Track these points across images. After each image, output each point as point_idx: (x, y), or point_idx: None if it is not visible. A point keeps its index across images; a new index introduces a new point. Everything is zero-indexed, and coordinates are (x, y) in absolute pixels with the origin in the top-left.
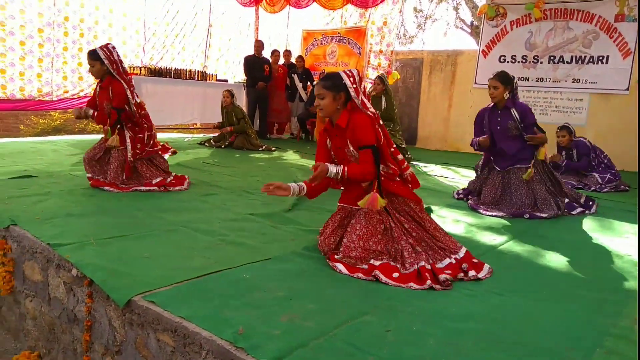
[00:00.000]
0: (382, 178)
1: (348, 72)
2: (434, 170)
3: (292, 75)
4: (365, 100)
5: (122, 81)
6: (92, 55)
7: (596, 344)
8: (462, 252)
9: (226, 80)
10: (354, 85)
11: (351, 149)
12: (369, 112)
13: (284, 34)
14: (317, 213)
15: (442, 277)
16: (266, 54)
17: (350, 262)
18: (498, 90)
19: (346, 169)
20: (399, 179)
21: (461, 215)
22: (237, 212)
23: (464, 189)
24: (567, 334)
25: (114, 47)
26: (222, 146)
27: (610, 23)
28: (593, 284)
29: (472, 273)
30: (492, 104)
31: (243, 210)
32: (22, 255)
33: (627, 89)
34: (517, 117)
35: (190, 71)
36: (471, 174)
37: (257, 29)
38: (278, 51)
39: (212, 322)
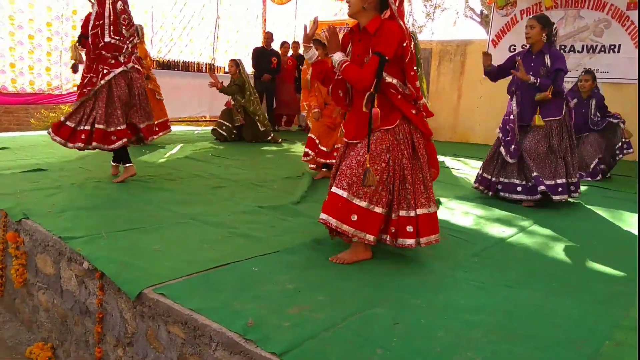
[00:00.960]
0: (399, 97)
1: None
2: (443, 161)
3: (301, 67)
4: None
5: (94, 10)
6: None
7: (606, 336)
8: (425, 210)
9: None
10: (394, 4)
11: None
12: (401, 23)
13: (292, 25)
14: None
15: (401, 241)
16: (276, 45)
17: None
18: (534, 29)
19: (345, 64)
20: (413, 104)
21: (471, 207)
22: (246, 204)
23: (482, 179)
24: (578, 326)
25: None
26: (229, 139)
27: (622, 11)
28: (604, 275)
29: (418, 240)
30: (528, 48)
31: (252, 202)
32: (35, 249)
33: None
34: (549, 63)
35: (198, 64)
36: (480, 165)
37: (264, 20)
38: (287, 43)
39: (222, 315)
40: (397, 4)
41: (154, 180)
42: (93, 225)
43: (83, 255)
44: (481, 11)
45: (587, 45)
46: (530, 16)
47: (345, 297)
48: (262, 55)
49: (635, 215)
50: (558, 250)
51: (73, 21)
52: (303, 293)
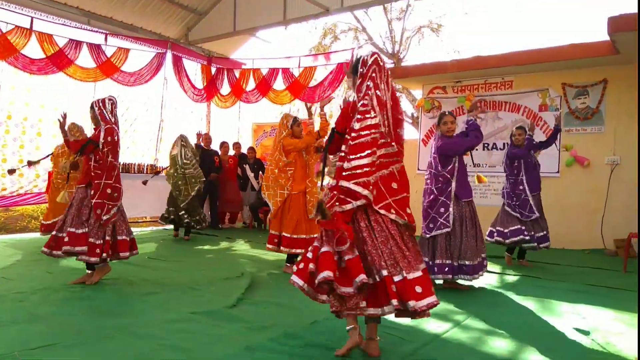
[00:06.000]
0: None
1: (366, 56)
2: None
3: (244, 165)
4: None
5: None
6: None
7: None
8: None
9: None
10: (361, 69)
11: None
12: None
13: (235, 127)
14: (264, 307)
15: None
16: (215, 146)
17: None
18: (454, 124)
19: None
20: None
21: None
22: (179, 311)
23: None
24: None
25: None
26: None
27: (535, 112)
28: None
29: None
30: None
31: (185, 309)
32: None
33: (558, 172)
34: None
35: (139, 165)
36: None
37: (208, 122)
38: (227, 143)
39: None
40: (363, 82)
41: (81, 289)
42: (7, 344)
43: None
44: (412, 113)
45: (507, 143)
46: (447, 113)
47: None
48: (203, 154)
49: (563, 304)
50: (491, 345)
51: (7, 125)
52: None
